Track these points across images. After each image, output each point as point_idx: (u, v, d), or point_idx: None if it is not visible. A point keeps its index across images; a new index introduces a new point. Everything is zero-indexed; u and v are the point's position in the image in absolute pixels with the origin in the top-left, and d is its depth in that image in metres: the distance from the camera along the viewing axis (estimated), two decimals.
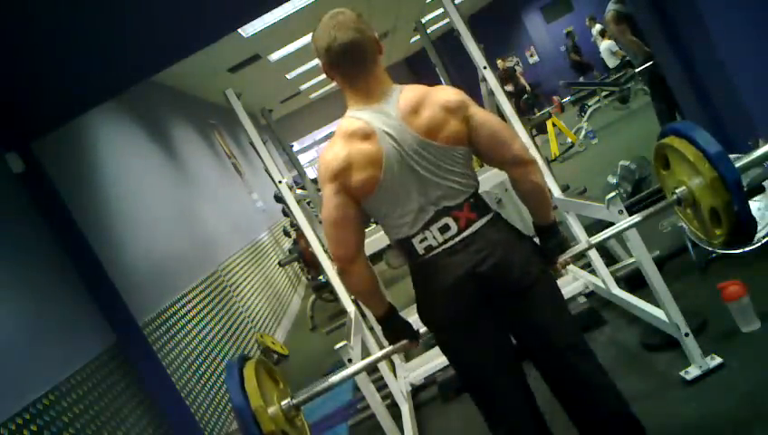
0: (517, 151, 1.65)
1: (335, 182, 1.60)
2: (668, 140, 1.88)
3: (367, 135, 1.58)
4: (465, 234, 1.61)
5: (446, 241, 1.61)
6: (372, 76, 1.61)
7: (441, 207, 1.62)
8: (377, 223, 1.82)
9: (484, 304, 1.63)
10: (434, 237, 1.61)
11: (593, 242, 2.04)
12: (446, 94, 1.61)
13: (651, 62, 4.49)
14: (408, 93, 1.60)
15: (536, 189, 1.70)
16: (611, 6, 4.89)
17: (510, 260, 1.61)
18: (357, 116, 1.60)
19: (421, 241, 1.62)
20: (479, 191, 1.71)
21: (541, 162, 3.27)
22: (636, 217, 1.98)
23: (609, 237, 2.07)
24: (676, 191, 1.90)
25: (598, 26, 11.93)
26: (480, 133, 1.62)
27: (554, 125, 8.25)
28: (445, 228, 1.61)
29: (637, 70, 5.30)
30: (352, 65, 1.59)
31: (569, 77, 11.82)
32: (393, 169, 1.58)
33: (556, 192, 3.18)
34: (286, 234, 7.79)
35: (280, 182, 3.32)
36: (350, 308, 3.15)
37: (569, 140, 8.05)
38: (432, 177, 1.60)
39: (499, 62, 11.58)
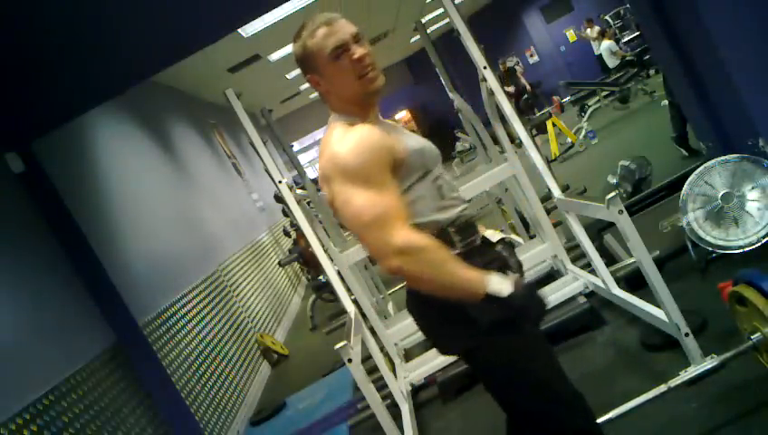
0: (373, 257, 1.43)
1: None
2: (742, 289, 1.99)
3: None
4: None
5: None
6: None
7: None
8: None
9: None
10: None
11: None
12: (325, 154, 1.43)
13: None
14: (326, 132, 1.49)
15: (418, 288, 1.40)
16: None
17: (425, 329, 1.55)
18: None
19: None
20: None
21: (541, 163, 3.27)
22: None
23: None
24: (752, 338, 2.00)
25: (596, 28, 11.95)
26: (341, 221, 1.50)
27: (554, 125, 8.25)
28: None
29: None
30: None
31: (568, 77, 11.84)
32: None
33: (556, 192, 3.18)
34: (286, 234, 7.79)
35: (280, 182, 3.32)
36: (350, 308, 3.15)
37: (569, 140, 8.05)
38: None
39: (501, 64, 11.57)
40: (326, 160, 1.40)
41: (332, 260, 3.37)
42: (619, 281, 3.03)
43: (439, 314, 1.43)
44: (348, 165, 1.35)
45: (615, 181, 4.59)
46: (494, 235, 1.56)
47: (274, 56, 7.94)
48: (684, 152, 4.82)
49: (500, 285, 1.32)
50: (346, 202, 1.35)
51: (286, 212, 5.40)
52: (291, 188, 3.40)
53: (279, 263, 6.97)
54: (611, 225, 2.94)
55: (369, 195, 1.34)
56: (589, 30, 12.06)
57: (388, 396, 3.14)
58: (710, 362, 2.21)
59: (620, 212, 2.24)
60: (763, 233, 2.65)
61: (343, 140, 1.38)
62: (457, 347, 1.51)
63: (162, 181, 5.30)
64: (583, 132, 7.85)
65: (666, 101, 6.90)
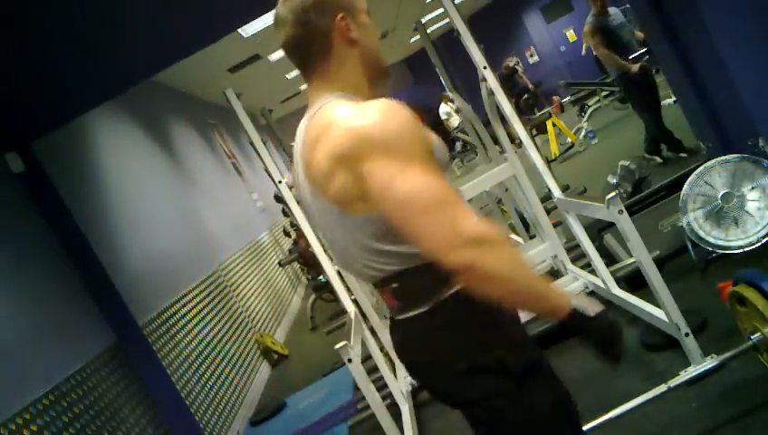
0: (428, 250, 1.02)
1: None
2: (742, 289, 1.99)
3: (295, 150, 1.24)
4: (396, 318, 1.19)
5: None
6: (313, 80, 1.20)
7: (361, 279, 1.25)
8: None
9: None
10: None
11: None
12: (339, 132, 1.07)
13: (624, 74, 4.89)
14: (319, 116, 1.14)
15: (488, 295, 1.03)
16: (588, 19, 5.08)
17: (432, 376, 1.19)
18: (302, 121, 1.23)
19: None
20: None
21: (541, 163, 3.27)
22: None
23: None
24: (752, 338, 2.00)
25: None
26: (382, 206, 1.05)
27: (554, 125, 8.25)
28: (381, 299, 1.25)
29: (609, 80, 5.67)
30: (298, 66, 1.22)
31: (568, 77, 11.83)
32: (306, 210, 1.30)
33: (556, 192, 3.18)
34: (286, 234, 7.79)
35: (280, 182, 3.32)
36: (350, 308, 3.15)
37: (569, 140, 8.05)
38: (334, 245, 1.22)
39: (504, 67, 11.54)
40: (344, 139, 1.05)
41: (332, 260, 3.37)
42: (619, 281, 3.04)
43: (461, 350, 1.11)
44: (391, 138, 1.03)
45: (615, 181, 4.59)
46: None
47: (274, 56, 7.93)
48: (658, 159, 5.01)
49: (586, 302, 1.07)
50: (392, 181, 1.01)
51: (286, 212, 5.40)
52: (291, 188, 3.40)
53: (279, 263, 6.97)
54: (611, 225, 2.94)
55: (424, 174, 1.02)
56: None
57: (388, 396, 3.14)
58: (710, 362, 2.22)
59: (620, 212, 2.24)
60: (763, 233, 2.65)
61: (367, 113, 1.06)
62: (475, 396, 1.13)
63: (162, 181, 5.30)
64: (583, 132, 7.85)
65: (668, 101, 6.92)
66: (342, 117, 1.08)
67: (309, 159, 1.12)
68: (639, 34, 5.34)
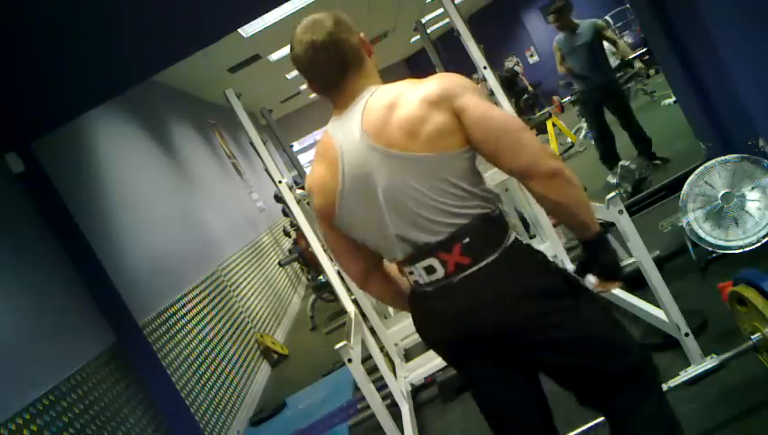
0: (524, 162, 1.27)
1: (316, 210, 1.47)
2: (742, 289, 1.99)
3: (326, 151, 1.40)
4: (454, 280, 1.33)
5: (432, 283, 1.36)
6: (350, 83, 1.38)
7: (421, 244, 1.34)
8: None
9: (484, 356, 1.39)
10: (420, 275, 1.37)
11: None
12: (427, 86, 1.31)
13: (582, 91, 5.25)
14: (381, 93, 1.35)
15: (556, 207, 1.31)
16: (557, 36, 5.25)
17: (507, 317, 1.31)
18: (327, 128, 1.42)
19: (410, 273, 1.40)
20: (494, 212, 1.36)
21: None
22: None
23: None
24: (752, 338, 2.00)
25: None
26: (475, 135, 1.29)
27: (554, 125, 8.24)
28: (430, 270, 1.35)
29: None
30: (325, 75, 1.39)
31: (568, 78, 11.81)
32: (351, 194, 1.37)
33: None
34: (286, 234, 7.79)
35: (280, 182, 3.32)
36: (350, 308, 3.15)
37: (569, 139, 8.04)
38: (405, 204, 1.32)
39: (506, 70, 11.51)
40: (437, 85, 1.30)
41: (332, 260, 3.37)
42: None
43: (541, 278, 1.34)
44: (472, 85, 1.33)
45: (615, 181, 4.59)
46: None
47: (274, 56, 7.93)
48: (658, 161, 5.07)
49: None
50: (490, 108, 1.30)
51: (286, 212, 5.41)
52: (291, 188, 3.40)
53: (279, 263, 6.97)
54: (611, 225, 2.94)
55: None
56: None
57: (388, 396, 3.14)
58: (710, 362, 2.21)
59: (620, 212, 2.24)
60: (763, 233, 2.65)
61: (442, 74, 1.37)
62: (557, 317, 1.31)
63: (162, 181, 5.30)
64: (583, 132, 7.84)
65: (668, 101, 6.93)
66: (419, 81, 1.34)
67: (384, 122, 1.30)
68: (611, 60, 5.54)
